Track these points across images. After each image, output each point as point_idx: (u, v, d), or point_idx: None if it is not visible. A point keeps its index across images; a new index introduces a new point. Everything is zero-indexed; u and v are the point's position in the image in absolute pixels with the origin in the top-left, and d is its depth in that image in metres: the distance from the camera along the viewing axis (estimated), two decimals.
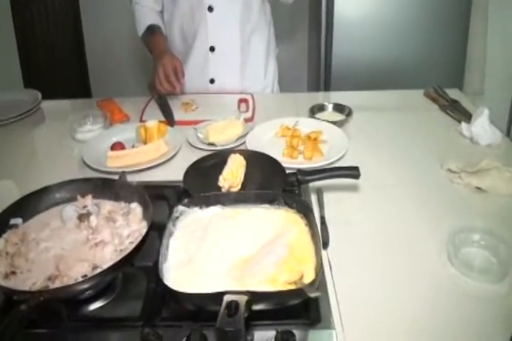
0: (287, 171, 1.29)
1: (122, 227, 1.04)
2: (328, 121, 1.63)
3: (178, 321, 0.90)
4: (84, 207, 1.12)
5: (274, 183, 1.23)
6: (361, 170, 1.25)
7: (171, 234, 1.01)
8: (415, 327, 0.92)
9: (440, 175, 1.37)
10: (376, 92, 1.93)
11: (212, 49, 1.87)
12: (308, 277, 0.88)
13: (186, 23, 1.87)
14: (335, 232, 1.16)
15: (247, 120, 1.67)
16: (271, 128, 1.61)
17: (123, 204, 1.13)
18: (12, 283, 0.93)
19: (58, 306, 0.94)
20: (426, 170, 1.40)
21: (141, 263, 1.03)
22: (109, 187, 1.16)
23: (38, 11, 3.03)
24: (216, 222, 1.05)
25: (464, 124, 1.55)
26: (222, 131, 1.56)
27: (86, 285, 0.91)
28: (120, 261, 0.93)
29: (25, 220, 1.10)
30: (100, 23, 3.36)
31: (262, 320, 0.88)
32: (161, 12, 1.94)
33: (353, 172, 1.24)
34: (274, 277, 0.89)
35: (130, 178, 1.24)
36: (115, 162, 1.45)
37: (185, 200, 1.07)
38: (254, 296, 0.80)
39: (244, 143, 1.54)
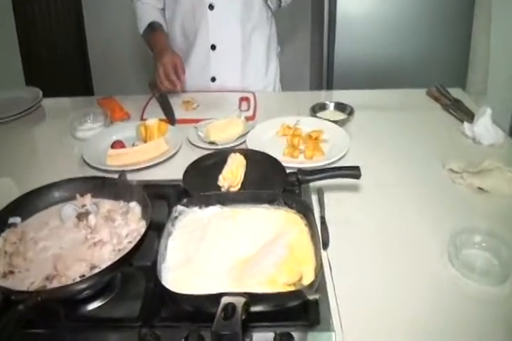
0: (288, 171, 1.28)
1: (121, 227, 1.03)
2: (330, 120, 1.62)
3: (176, 322, 0.90)
4: (83, 206, 1.11)
5: (274, 183, 1.22)
6: (362, 170, 1.24)
7: (169, 234, 1.00)
8: (415, 329, 0.92)
9: (442, 175, 1.36)
10: (378, 91, 1.92)
11: (213, 47, 1.86)
12: (308, 278, 0.87)
13: (187, 21, 1.86)
14: (335, 232, 1.15)
15: (248, 118, 1.67)
16: (272, 127, 1.61)
17: (122, 203, 1.12)
18: (10, 283, 0.92)
19: (56, 306, 0.93)
20: (428, 170, 1.39)
21: (140, 263, 1.02)
22: (108, 186, 1.16)
23: (40, 8, 3.02)
24: (215, 222, 1.04)
25: (466, 124, 1.54)
26: (223, 129, 1.55)
27: (84, 286, 0.90)
28: (118, 260, 0.92)
29: (23, 219, 1.10)
30: (102, 20, 3.36)
31: (261, 322, 0.88)
32: (163, 10, 1.93)
33: (353, 172, 1.23)
34: (273, 278, 0.88)
35: (130, 177, 1.23)
36: (115, 160, 1.44)
37: (185, 200, 1.06)
38: (253, 298, 0.79)
39: (245, 141, 1.53)
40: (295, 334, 0.85)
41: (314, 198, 1.28)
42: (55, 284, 0.90)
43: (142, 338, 0.86)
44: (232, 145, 1.53)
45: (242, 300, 0.77)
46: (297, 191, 1.25)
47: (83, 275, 0.92)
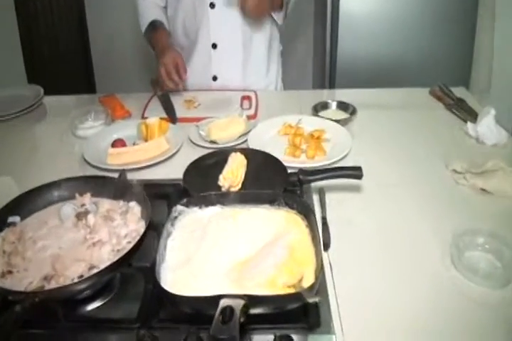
0: (289, 170, 1.27)
1: (120, 227, 1.02)
2: (332, 120, 1.60)
3: (175, 323, 0.89)
4: (83, 205, 1.11)
5: (275, 183, 1.21)
6: (364, 170, 1.22)
7: (169, 235, 0.99)
8: (417, 331, 0.91)
9: (445, 175, 1.34)
10: (381, 90, 1.90)
11: (214, 46, 1.85)
12: (308, 280, 0.86)
13: (188, 19, 1.85)
14: (336, 233, 1.14)
15: (249, 117, 1.65)
16: (273, 126, 1.60)
17: (122, 202, 1.11)
18: (8, 283, 0.92)
19: (54, 306, 0.93)
20: (430, 170, 1.38)
21: (139, 264, 1.02)
22: (108, 185, 1.15)
23: (42, 5, 3.02)
24: (215, 222, 1.03)
25: (469, 124, 1.53)
26: (224, 128, 1.54)
27: (82, 286, 0.90)
28: (117, 261, 0.91)
29: (23, 218, 1.10)
30: (104, 17, 3.34)
31: (260, 324, 0.87)
32: (165, 7, 1.92)
33: (355, 172, 1.21)
34: (272, 279, 0.87)
35: (130, 176, 1.22)
36: (116, 159, 1.43)
37: (185, 200, 1.05)
38: (252, 300, 0.78)
39: (246, 141, 1.52)
40: (295, 337, 0.84)
41: (316, 198, 1.27)
42: (53, 284, 0.90)
43: (140, 339, 0.85)
44: (234, 144, 1.52)
45: (240, 302, 0.76)
46: (298, 191, 1.24)
47: (81, 276, 0.91)
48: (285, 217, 1.04)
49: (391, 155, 1.46)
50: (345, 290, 0.99)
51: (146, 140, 1.53)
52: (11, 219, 1.08)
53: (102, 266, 0.92)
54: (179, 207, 1.05)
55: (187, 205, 1.06)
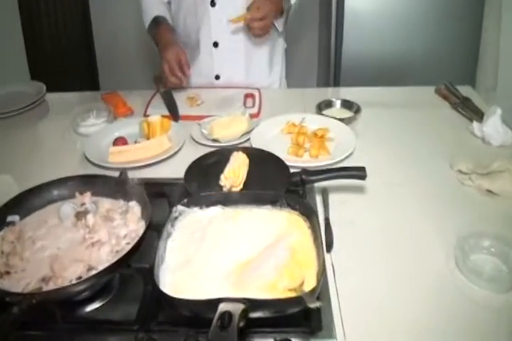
0: (292, 170, 1.26)
1: (119, 227, 1.01)
2: (336, 118, 1.58)
3: (174, 326, 0.88)
4: (83, 204, 1.09)
5: (277, 183, 1.19)
6: (368, 170, 1.20)
7: (168, 236, 0.98)
8: (419, 336, 0.89)
9: (450, 176, 1.32)
10: (386, 88, 1.88)
11: (215, 44, 1.83)
12: (310, 283, 0.84)
13: (190, 17, 1.84)
14: (339, 234, 1.13)
15: (252, 116, 1.64)
16: (276, 125, 1.58)
17: (122, 202, 1.10)
18: (6, 283, 0.91)
19: (52, 307, 0.92)
20: (435, 170, 1.36)
21: (138, 265, 1.00)
22: (108, 184, 1.14)
23: (46, 2, 3.00)
24: (216, 223, 1.02)
25: (475, 124, 1.50)
26: (226, 126, 1.52)
27: (79, 288, 0.88)
28: (115, 262, 0.90)
29: (22, 217, 1.09)
30: (108, 14, 3.33)
31: (260, 328, 0.86)
32: (169, 3, 1.90)
33: (359, 172, 1.19)
34: (273, 283, 0.85)
35: (132, 175, 1.21)
36: (117, 157, 1.42)
37: (185, 200, 1.04)
38: (251, 304, 0.77)
39: (249, 139, 1.51)
40: None
41: (319, 198, 1.25)
42: (50, 286, 0.89)
43: None
44: (236, 142, 1.50)
45: (240, 307, 0.74)
46: (301, 191, 1.23)
47: (80, 277, 0.90)
48: (287, 218, 1.03)
49: (395, 155, 1.44)
50: (347, 293, 0.98)
51: (147, 138, 1.51)
52: (10, 219, 1.07)
53: (101, 267, 0.91)
54: (180, 208, 1.03)
55: (187, 205, 1.04)
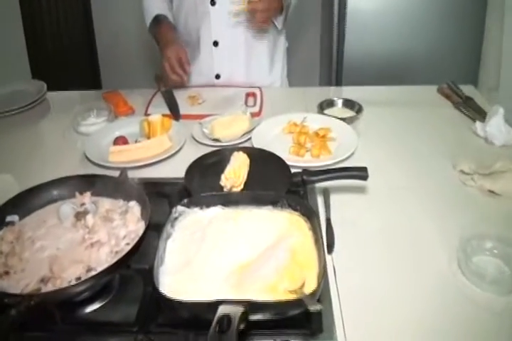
0: (293, 170, 1.25)
1: (119, 227, 1.01)
2: (338, 118, 1.58)
3: (173, 328, 0.88)
4: (82, 204, 1.09)
5: (278, 183, 1.18)
6: (370, 170, 1.19)
7: (168, 236, 0.98)
8: (422, 338, 0.88)
9: (452, 176, 1.31)
10: (388, 88, 1.87)
11: (215, 43, 1.82)
12: (310, 285, 0.83)
13: (190, 16, 1.83)
14: (341, 235, 1.12)
15: (253, 115, 1.63)
16: (278, 124, 1.57)
17: (121, 202, 1.10)
18: (5, 284, 0.91)
19: (51, 308, 0.91)
20: (438, 171, 1.35)
21: (138, 266, 1.00)
22: (108, 184, 1.13)
23: (47, 0, 2.99)
24: (216, 224, 1.01)
25: (478, 123, 1.49)
26: (227, 126, 1.51)
27: (78, 289, 0.88)
28: (115, 263, 0.89)
29: (21, 217, 1.08)
30: (110, 13, 3.32)
31: (260, 330, 0.85)
32: (170, 1, 1.89)
33: (361, 173, 1.19)
34: (273, 284, 0.85)
35: (132, 174, 1.20)
36: (117, 157, 1.41)
37: (185, 200, 1.03)
38: (251, 306, 0.76)
39: (250, 139, 1.50)
40: None
41: (320, 199, 1.24)
42: (49, 287, 0.88)
43: None
44: (237, 142, 1.49)
45: (239, 309, 0.74)
46: (302, 192, 1.22)
47: (79, 278, 0.90)
48: (288, 219, 1.02)
49: (397, 155, 1.43)
50: (348, 294, 0.97)
51: (148, 137, 1.51)
52: (9, 218, 1.06)
53: (100, 268, 0.90)
54: (179, 208, 1.03)
55: (188, 206, 1.04)
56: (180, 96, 1.78)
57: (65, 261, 0.93)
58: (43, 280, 0.90)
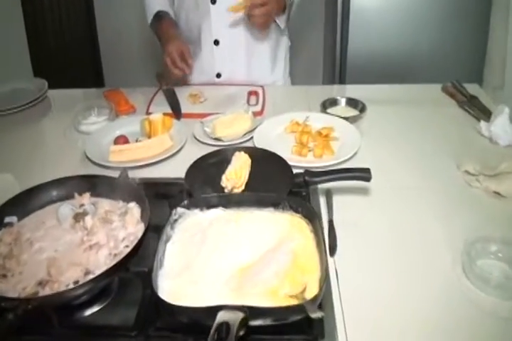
0: (295, 170, 1.23)
1: (118, 229, 0.99)
2: (341, 117, 1.56)
3: (173, 332, 0.86)
4: (82, 205, 1.08)
5: (280, 184, 1.17)
6: (373, 170, 1.18)
7: (168, 238, 0.96)
8: None
9: (457, 177, 1.30)
10: (392, 86, 1.86)
11: (216, 42, 1.80)
12: (312, 290, 0.82)
13: (191, 14, 1.81)
14: (343, 237, 1.10)
15: (255, 114, 1.61)
16: (280, 123, 1.55)
17: (121, 203, 1.08)
18: (3, 287, 0.90)
19: (49, 312, 0.90)
20: (442, 171, 1.33)
21: (137, 269, 0.98)
22: (108, 185, 1.12)
23: None
24: (217, 226, 1.00)
25: (483, 123, 1.47)
26: (229, 125, 1.50)
27: (76, 293, 0.87)
28: (113, 267, 0.88)
29: (20, 218, 1.07)
30: (113, 10, 3.31)
31: (261, 335, 0.83)
32: None
33: (364, 174, 1.17)
34: (274, 289, 0.83)
35: (132, 174, 1.19)
36: (118, 156, 1.40)
37: (185, 202, 1.02)
38: (251, 312, 0.75)
39: (252, 138, 1.48)
40: None
41: (322, 200, 1.22)
42: (47, 291, 0.87)
43: None
44: (239, 141, 1.48)
45: (239, 315, 0.72)
46: (304, 193, 1.20)
47: (77, 281, 0.89)
48: (289, 221, 1.00)
49: (401, 155, 1.41)
50: (351, 298, 0.95)
51: (149, 136, 1.49)
52: (7, 220, 1.05)
53: (98, 271, 0.89)
54: (179, 210, 1.01)
55: (188, 207, 1.03)
56: (182, 95, 1.76)
57: (63, 264, 0.91)
58: (41, 284, 0.89)
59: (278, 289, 0.83)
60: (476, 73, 2.49)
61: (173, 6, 1.88)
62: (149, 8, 1.85)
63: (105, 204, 1.08)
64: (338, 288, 0.97)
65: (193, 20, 1.81)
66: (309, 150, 1.42)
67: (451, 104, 1.70)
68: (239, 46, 1.82)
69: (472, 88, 1.75)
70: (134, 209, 1.05)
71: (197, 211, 1.03)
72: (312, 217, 0.98)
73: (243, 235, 0.98)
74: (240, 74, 1.87)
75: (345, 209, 1.20)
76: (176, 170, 1.31)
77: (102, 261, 0.93)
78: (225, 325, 0.70)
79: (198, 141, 1.50)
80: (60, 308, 0.91)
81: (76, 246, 0.97)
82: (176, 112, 1.66)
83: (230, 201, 1.04)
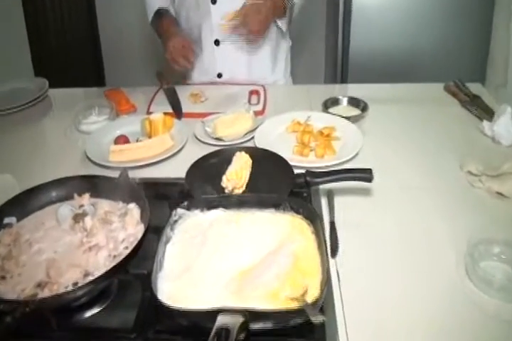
0: (297, 170, 1.22)
1: (118, 230, 0.99)
2: (342, 117, 1.55)
3: (172, 335, 0.86)
4: (81, 206, 1.07)
5: (281, 184, 1.16)
6: (375, 170, 1.17)
7: (168, 240, 0.96)
8: None
9: (460, 177, 1.28)
10: (394, 85, 1.84)
11: (216, 42, 1.79)
12: (313, 293, 0.81)
13: (192, 14, 1.80)
14: (345, 238, 1.09)
15: (257, 113, 1.60)
16: (281, 123, 1.54)
17: (121, 204, 1.08)
18: (2, 289, 0.89)
19: (47, 314, 0.89)
20: (445, 172, 1.32)
21: (137, 270, 0.97)
22: (107, 185, 1.11)
23: None
24: (217, 227, 0.99)
25: (485, 123, 1.46)
26: (230, 125, 1.49)
27: (75, 295, 0.86)
28: (112, 268, 0.87)
29: (19, 219, 1.07)
30: (114, 9, 3.30)
31: (261, 338, 0.82)
32: None
33: (365, 175, 1.16)
34: (275, 292, 0.83)
35: (133, 174, 1.18)
36: (118, 156, 1.39)
37: (185, 203, 1.01)
38: (252, 315, 0.74)
39: (253, 138, 1.47)
40: None
41: (324, 201, 1.21)
42: (46, 292, 0.87)
43: None
44: (240, 141, 1.47)
45: (239, 319, 0.71)
46: (305, 194, 1.19)
47: (76, 283, 0.88)
48: (290, 222, 1.00)
49: (403, 155, 1.40)
50: (352, 301, 0.94)
51: (150, 136, 1.48)
52: (6, 220, 1.05)
53: (98, 273, 0.88)
54: (179, 211, 1.01)
55: (188, 208, 1.02)
56: (183, 94, 1.75)
57: (62, 265, 0.91)
58: (40, 285, 0.88)
59: (279, 292, 0.83)
60: (478, 72, 2.48)
61: (174, 4, 1.87)
62: (150, 6, 1.84)
63: (105, 204, 1.08)
64: (340, 290, 0.96)
65: (194, 20, 1.80)
66: (311, 150, 1.41)
67: (453, 103, 1.69)
68: (239, 46, 1.81)
69: (475, 87, 1.74)
70: (134, 210, 1.04)
71: (197, 212, 1.02)
72: (313, 218, 0.97)
73: (244, 236, 0.97)
74: (240, 74, 1.86)
75: (347, 209, 1.19)
76: (176, 170, 1.30)
77: (101, 263, 0.92)
78: (225, 330, 0.70)
79: (199, 140, 1.50)
80: (58, 310, 0.91)
81: (75, 248, 0.96)
82: (177, 112, 1.65)
83: (230, 202, 1.04)
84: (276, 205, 1.02)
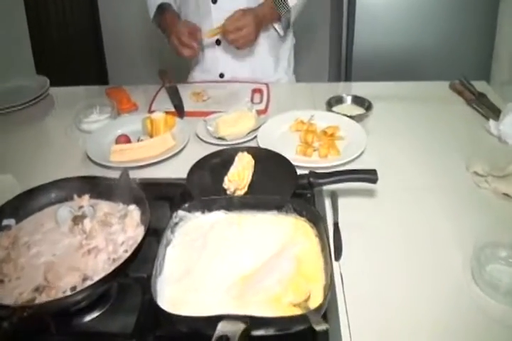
0: (300, 170, 1.21)
1: (117, 233, 0.97)
2: (346, 115, 1.53)
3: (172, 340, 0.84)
4: (80, 207, 1.05)
5: (284, 186, 1.14)
6: (380, 171, 1.15)
7: (168, 243, 0.94)
8: None
9: (466, 178, 1.26)
10: (398, 83, 1.82)
11: (218, 42, 1.77)
12: (316, 299, 0.79)
13: (193, 13, 1.79)
14: (349, 240, 1.07)
15: (259, 112, 1.58)
16: (284, 122, 1.52)
17: (121, 205, 1.06)
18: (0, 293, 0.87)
19: (46, 318, 0.88)
20: (451, 172, 1.29)
21: (137, 274, 0.95)
22: (107, 186, 1.09)
23: None
24: (219, 230, 0.97)
25: (491, 122, 1.44)
26: (233, 124, 1.47)
27: (73, 300, 0.84)
28: (112, 272, 0.86)
29: (18, 221, 1.05)
30: (116, 2, 3.29)
31: None
32: None
33: (370, 176, 1.14)
34: (277, 297, 0.81)
35: (134, 174, 1.17)
36: (119, 156, 1.37)
37: (186, 205, 0.99)
38: (253, 322, 0.72)
39: (255, 137, 1.45)
40: None
41: (328, 202, 1.19)
42: (44, 297, 0.85)
43: None
44: (242, 141, 1.45)
45: (240, 326, 0.69)
46: (309, 195, 1.17)
47: (74, 287, 0.86)
48: (293, 225, 0.98)
49: (408, 155, 1.38)
50: (357, 305, 0.92)
51: (151, 136, 1.46)
52: (5, 222, 1.03)
53: (97, 277, 0.87)
54: (180, 213, 0.99)
55: (189, 210, 1.00)
56: (185, 93, 1.74)
57: (60, 269, 0.89)
58: (38, 290, 0.86)
59: (281, 297, 0.81)
60: (483, 70, 2.46)
61: (176, 1, 1.85)
62: (150, 2, 1.82)
63: (104, 206, 1.06)
64: (344, 293, 0.94)
65: (195, 20, 1.77)
66: (314, 150, 1.39)
67: (459, 101, 1.66)
68: None
69: (480, 85, 1.71)
70: (134, 211, 1.02)
71: (198, 214, 1.01)
72: (317, 220, 0.95)
73: (245, 239, 0.95)
74: (243, 74, 1.84)
75: (351, 211, 1.17)
76: (178, 170, 1.29)
77: (100, 266, 0.90)
78: (225, 337, 0.68)
79: (201, 140, 1.48)
80: (57, 315, 0.89)
81: (74, 251, 0.95)
82: (179, 111, 1.63)
83: (232, 204, 1.01)
84: (278, 207, 1.00)
